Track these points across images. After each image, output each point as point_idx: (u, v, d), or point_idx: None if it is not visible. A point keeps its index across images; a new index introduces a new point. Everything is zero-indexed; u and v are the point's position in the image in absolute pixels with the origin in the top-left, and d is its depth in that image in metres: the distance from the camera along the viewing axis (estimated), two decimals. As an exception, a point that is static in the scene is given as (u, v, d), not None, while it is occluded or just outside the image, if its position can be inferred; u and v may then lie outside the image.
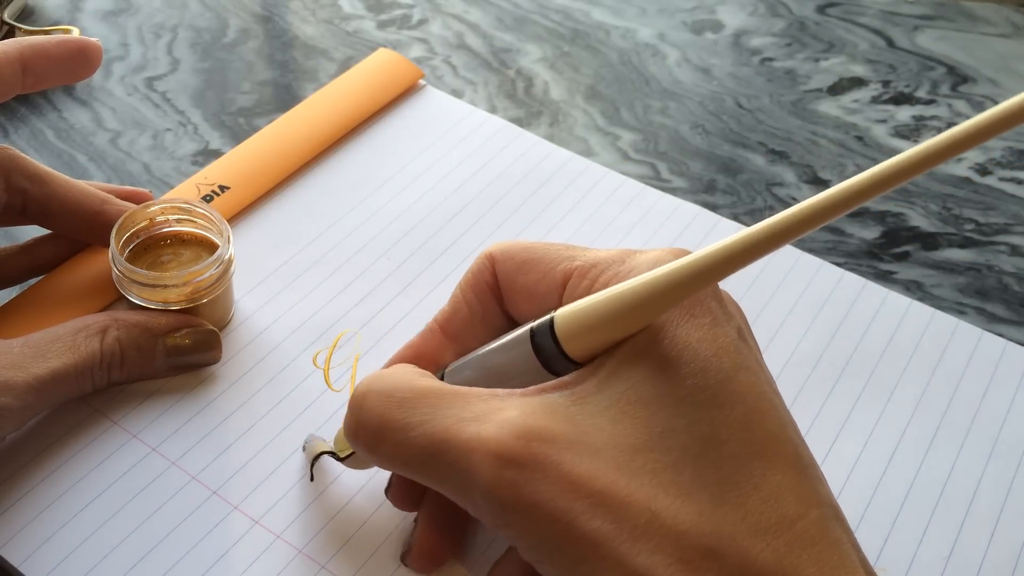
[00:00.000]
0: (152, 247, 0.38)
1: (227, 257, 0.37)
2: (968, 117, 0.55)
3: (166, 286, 0.36)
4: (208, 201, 0.43)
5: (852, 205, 0.23)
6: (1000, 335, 0.42)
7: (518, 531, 0.25)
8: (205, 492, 0.34)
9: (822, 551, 0.24)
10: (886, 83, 0.56)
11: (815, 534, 0.25)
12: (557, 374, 0.28)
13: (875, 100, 0.55)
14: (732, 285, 0.42)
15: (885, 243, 0.47)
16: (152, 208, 0.38)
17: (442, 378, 0.31)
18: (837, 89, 0.56)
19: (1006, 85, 0.56)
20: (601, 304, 0.26)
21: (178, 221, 0.39)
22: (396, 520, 0.34)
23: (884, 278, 0.45)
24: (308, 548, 0.33)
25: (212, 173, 0.45)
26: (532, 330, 0.28)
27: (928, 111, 0.55)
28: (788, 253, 0.44)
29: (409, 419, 0.26)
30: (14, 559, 0.32)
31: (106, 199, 0.38)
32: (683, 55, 0.58)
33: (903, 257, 0.46)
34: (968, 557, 0.34)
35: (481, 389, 0.27)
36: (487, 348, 0.30)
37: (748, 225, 0.46)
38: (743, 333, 0.28)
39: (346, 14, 0.59)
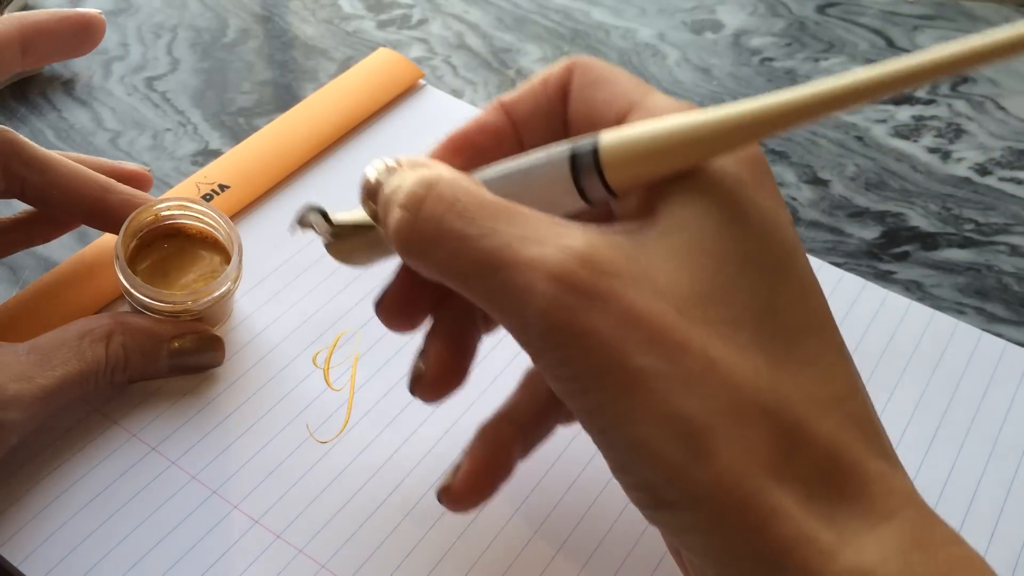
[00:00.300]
0: (153, 240, 0.38)
1: (235, 273, 0.37)
2: (968, 117, 0.56)
3: (173, 303, 0.36)
4: (208, 200, 0.43)
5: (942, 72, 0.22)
6: (1000, 335, 0.42)
7: (565, 356, 0.23)
8: (205, 492, 0.34)
9: (870, 434, 0.24)
10: (886, 83, 0.56)
11: (864, 417, 0.24)
12: (589, 202, 0.26)
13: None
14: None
15: (885, 243, 0.47)
16: (158, 206, 0.37)
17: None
18: (837, 89, 0.56)
19: (1006, 85, 0.56)
20: (652, 133, 0.25)
21: (184, 216, 0.38)
22: (396, 520, 0.34)
23: (884, 278, 0.45)
24: (308, 548, 0.33)
25: (212, 172, 0.45)
26: (573, 149, 0.26)
27: (928, 111, 0.55)
28: (788, 253, 0.44)
29: (468, 230, 0.25)
30: (14, 558, 0.32)
31: (107, 187, 0.37)
32: (683, 55, 0.58)
33: (903, 257, 0.46)
34: (968, 557, 0.34)
35: (543, 214, 0.25)
36: (522, 158, 0.27)
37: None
38: (795, 226, 0.27)
39: (346, 14, 0.59)
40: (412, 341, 0.39)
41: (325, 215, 0.30)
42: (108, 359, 0.35)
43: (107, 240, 0.41)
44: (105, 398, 0.36)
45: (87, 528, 0.33)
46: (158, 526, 0.33)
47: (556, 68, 0.30)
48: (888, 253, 0.47)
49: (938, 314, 0.42)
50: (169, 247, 0.38)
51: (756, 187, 0.26)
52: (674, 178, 0.25)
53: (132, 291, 0.36)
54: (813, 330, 0.25)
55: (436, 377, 0.29)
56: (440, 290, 0.29)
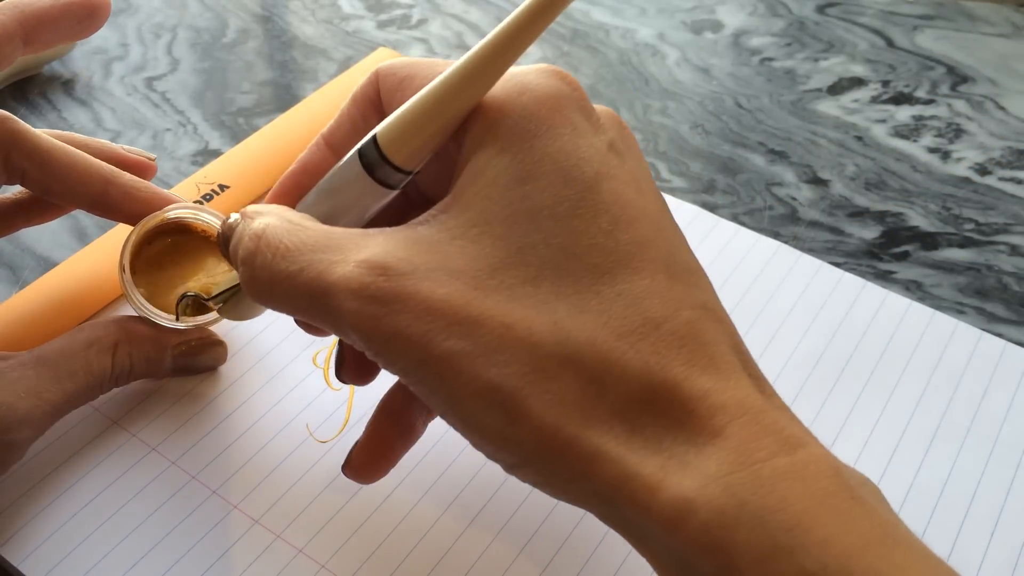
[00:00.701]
0: (155, 237, 0.38)
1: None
2: (968, 117, 0.56)
3: (179, 328, 0.36)
4: (208, 200, 0.43)
5: None
6: (1000, 335, 0.42)
7: (386, 359, 0.25)
8: (205, 492, 0.34)
9: (693, 351, 0.24)
10: (886, 83, 0.56)
11: (684, 335, 0.24)
12: (392, 187, 0.28)
13: (875, 100, 0.55)
14: (730, 286, 0.42)
15: (885, 243, 0.47)
16: (166, 214, 0.37)
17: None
18: (837, 89, 0.56)
19: (1005, 85, 0.56)
20: (411, 107, 0.27)
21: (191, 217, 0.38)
22: (396, 519, 0.34)
23: (884, 278, 0.45)
24: (308, 548, 0.33)
25: (212, 172, 0.45)
26: (359, 148, 0.28)
27: (928, 111, 0.55)
28: (788, 253, 0.44)
29: (291, 268, 0.26)
30: (14, 558, 0.32)
31: (110, 178, 0.36)
32: (683, 55, 0.58)
33: (903, 257, 0.46)
34: (968, 557, 0.34)
35: (355, 230, 0.27)
36: (327, 175, 0.30)
37: (749, 227, 0.46)
38: (616, 146, 0.27)
39: (346, 14, 0.59)
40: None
41: (199, 297, 0.34)
42: (114, 368, 0.35)
43: (107, 240, 0.41)
44: (105, 398, 0.36)
45: (87, 528, 0.33)
46: (158, 526, 0.33)
47: (363, 83, 0.31)
48: (888, 253, 0.47)
49: (938, 314, 0.42)
50: (173, 243, 0.38)
51: (548, 130, 0.26)
52: (469, 144, 0.27)
53: (141, 307, 0.36)
54: (622, 262, 0.25)
55: (358, 465, 0.32)
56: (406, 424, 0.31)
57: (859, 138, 0.53)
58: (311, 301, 0.26)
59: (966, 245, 0.47)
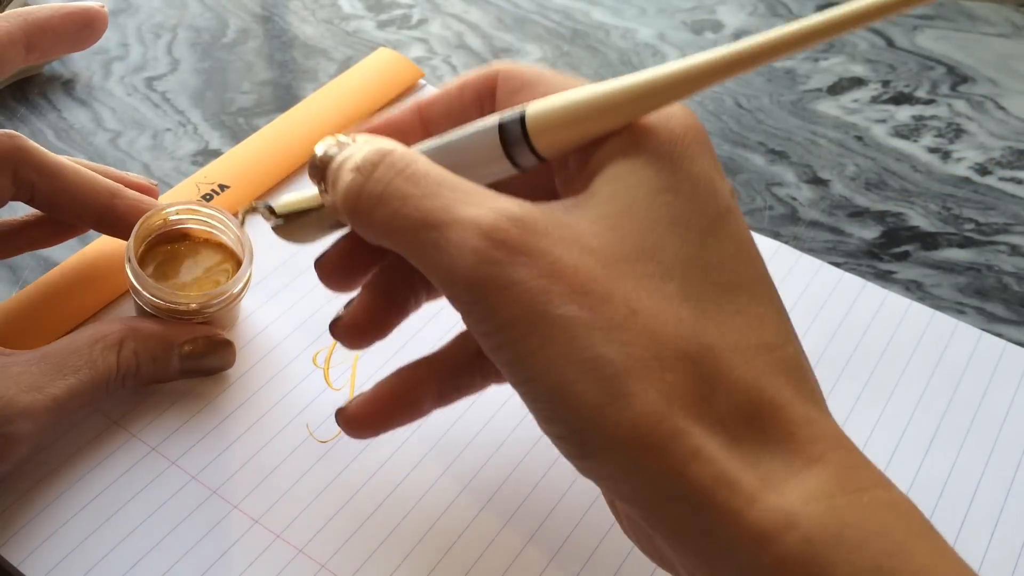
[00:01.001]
0: (158, 243, 0.38)
1: (247, 275, 0.37)
2: (968, 117, 0.56)
3: (188, 305, 0.36)
4: (208, 200, 0.43)
5: (844, 29, 0.24)
6: (1000, 335, 0.42)
7: (489, 308, 0.24)
8: (205, 492, 0.34)
9: (798, 380, 0.24)
10: (886, 83, 0.56)
11: (792, 365, 0.25)
12: (520, 168, 0.28)
13: (875, 100, 0.55)
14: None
15: (885, 243, 0.47)
16: (167, 210, 0.37)
17: None
18: (837, 89, 0.56)
19: (1006, 85, 0.56)
20: (572, 100, 0.27)
21: (192, 221, 0.38)
22: (396, 520, 0.34)
23: (884, 278, 0.45)
24: (308, 548, 0.33)
25: (212, 172, 0.45)
26: (502, 118, 0.28)
27: (928, 111, 0.55)
28: (788, 254, 0.44)
29: (413, 191, 0.26)
30: (14, 558, 0.32)
31: (116, 192, 0.37)
32: (683, 55, 0.58)
33: (903, 257, 0.46)
34: (968, 557, 0.34)
35: (484, 188, 0.26)
36: (456, 130, 0.29)
37: (749, 227, 0.46)
38: (734, 194, 0.28)
39: (346, 14, 0.59)
40: (412, 341, 0.39)
41: (270, 207, 0.32)
42: (120, 366, 0.35)
43: (107, 240, 0.41)
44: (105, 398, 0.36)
45: (87, 528, 0.33)
46: (158, 526, 0.33)
47: (477, 74, 0.31)
48: (888, 253, 0.47)
49: (938, 314, 0.42)
50: (174, 249, 0.38)
51: (691, 156, 0.27)
52: (609, 152, 0.27)
53: (144, 293, 0.36)
54: (744, 285, 0.25)
55: (350, 324, 0.31)
56: (380, 255, 0.30)
57: (859, 138, 0.53)
58: (419, 228, 0.25)
59: (966, 245, 0.47)
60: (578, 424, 0.23)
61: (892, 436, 0.38)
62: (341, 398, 0.37)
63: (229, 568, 0.33)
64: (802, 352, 0.26)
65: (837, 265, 0.44)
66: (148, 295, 0.36)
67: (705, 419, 0.23)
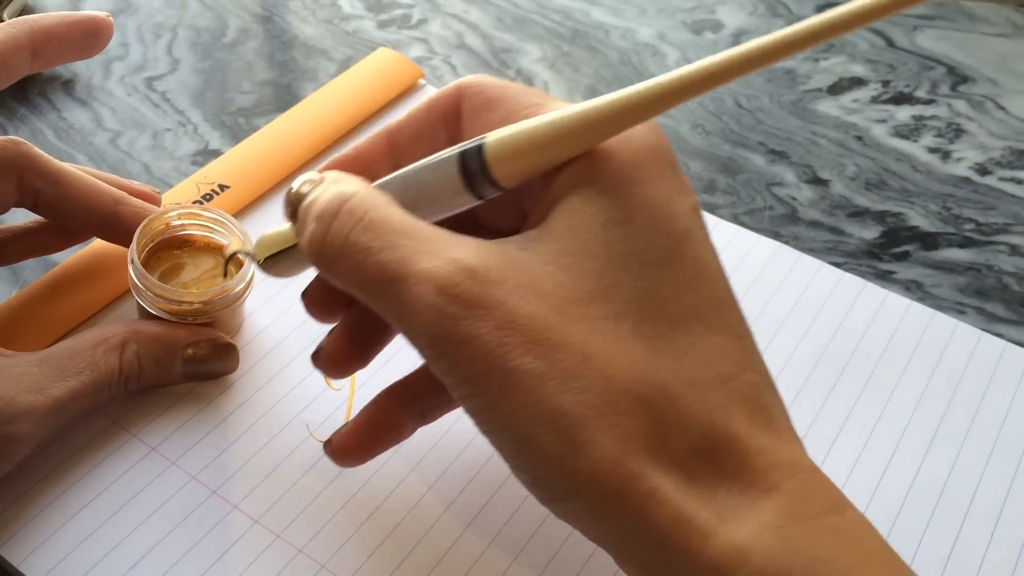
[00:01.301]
0: (161, 249, 0.38)
1: (250, 274, 0.37)
2: (968, 117, 0.56)
3: (191, 303, 0.36)
4: (208, 200, 0.43)
5: (791, 51, 0.25)
6: (1000, 335, 0.42)
7: (451, 363, 0.25)
8: (205, 492, 0.34)
9: (754, 410, 0.25)
10: (886, 83, 0.56)
11: (748, 394, 0.25)
12: (481, 198, 0.28)
13: (875, 100, 0.55)
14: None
15: (885, 243, 0.47)
16: (169, 214, 0.37)
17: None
18: (837, 89, 0.56)
19: (1006, 85, 0.56)
20: (531, 129, 0.26)
21: (194, 226, 0.38)
22: (396, 520, 0.34)
23: (884, 278, 0.45)
24: (308, 548, 0.33)
25: (212, 173, 0.45)
26: (463, 150, 0.28)
27: (928, 111, 0.55)
28: (788, 254, 0.44)
29: (372, 243, 0.26)
30: (14, 559, 0.32)
31: (120, 199, 0.37)
32: (683, 55, 0.58)
33: (903, 257, 0.46)
34: (968, 557, 0.34)
35: (443, 230, 0.27)
36: (417, 163, 0.29)
37: (749, 227, 0.46)
38: (697, 208, 0.28)
39: (346, 14, 0.59)
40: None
41: (249, 253, 0.33)
42: (122, 369, 0.35)
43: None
44: (105, 398, 0.36)
45: (87, 528, 0.33)
46: (158, 526, 0.33)
47: (443, 92, 0.31)
48: (888, 253, 0.47)
49: (938, 314, 0.42)
50: (176, 255, 0.38)
51: (646, 180, 0.27)
52: (567, 181, 0.27)
53: (147, 292, 0.36)
54: (700, 316, 0.26)
55: (331, 355, 0.31)
56: None
57: (859, 138, 0.53)
58: (381, 282, 0.26)
59: (966, 245, 0.47)
60: (542, 473, 0.24)
61: (892, 436, 0.38)
62: (341, 398, 0.38)
63: (229, 568, 0.33)
64: (761, 375, 0.26)
65: (837, 265, 0.44)
66: (151, 295, 0.36)
67: (661, 459, 0.24)
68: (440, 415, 0.33)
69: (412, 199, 0.28)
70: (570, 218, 0.26)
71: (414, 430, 0.32)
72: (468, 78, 0.31)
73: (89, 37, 0.36)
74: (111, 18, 0.37)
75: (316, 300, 0.32)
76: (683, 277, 0.26)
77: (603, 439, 0.24)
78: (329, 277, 0.28)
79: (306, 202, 0.28)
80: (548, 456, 0.24)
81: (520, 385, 0.24)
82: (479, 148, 0.27)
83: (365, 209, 0.27)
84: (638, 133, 0.27)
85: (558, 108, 0.28)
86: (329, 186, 0.28)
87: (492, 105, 0.30)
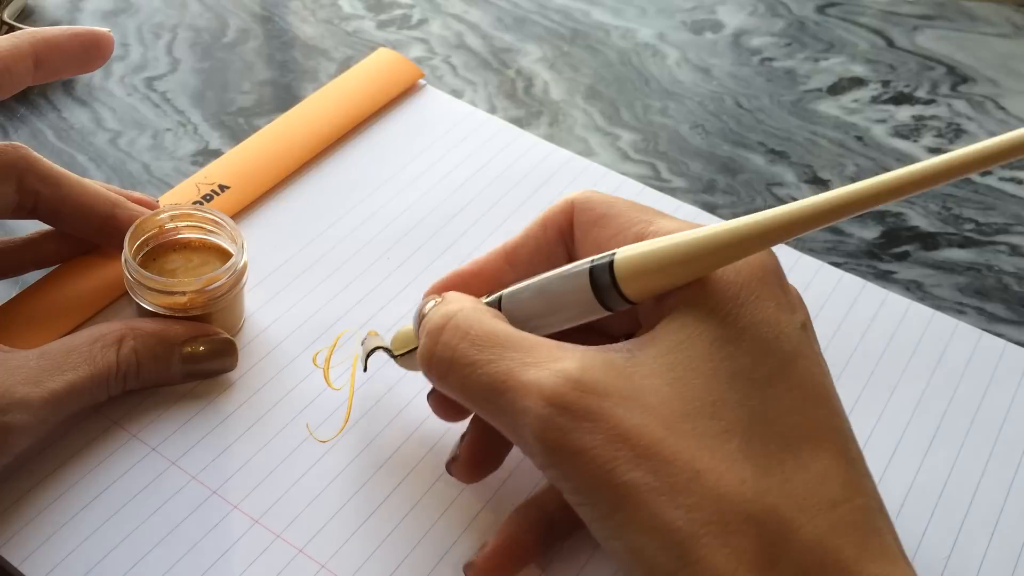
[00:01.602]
0: (161, 253, 0.38)
1: (241, 263, 0.37)
2: (968, 117, 0.56)
3: (182, 292, 0.36)
4: (208, 200, 0.43)
5: (922, 188, 0.24)
6: (1000, 335, 0.42)
7: (562, 473, 0.26)
8: (205, 492, 0.34)
9: (865, 536, 0.25)
10: (886, 83, 0.56)
11: (859, 520, 0.25)
12: (609, 309, 0.29)
13: (875, 100, 0.55)
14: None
15: (885, 243, 0.47)
16: (163, 215, 0.38)
17: (499, 300, 0.32)
18: (837, 89, 0.56)
19: (1006, 85, 0.56)
20: (661, 249, 0.27)
21: (188, 227, 0.38)
22: (396, 520, 0.34)
23: (884, 278, 0.45)
24: (308, 548, 0.33)
25: (212, 173, 0.45)
26: (592, 263, 0.29)
27: (928, 111, 0.55)
28: (788, 254, 0.44)
29: (478, 357, 0.28)
30: (14, 559, 0.32)
31: (117, 203, 0.38)
32: (683, 55, 0.58)
33: (903, 257, 0.46)
34: (968, 557, 0.34)
35: (548, 340, 0.28)
36: (547, 275, 0.31)
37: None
38: (808, 325, 0.28)
39: (346, 14, 0.59)
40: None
41: (387, 350, 0.36)
42: (119, 364, 0.35)
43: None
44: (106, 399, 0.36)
45: (87, 528, 0.33)
46: (158, 526, 0.33)
47: (556, 209, 0.33)
48: (888, 253, 0.47)
49: (938, 314, 0.42)
50: (176, 259, 0.38)
51: (754, 300, 0.27)
52: (678, 296, 0.28)
53: (139, 284, 0.36)
54: (809, 437, 0.26)
55: (466, 463, 0.33)
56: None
57: (859, 138, 0.53)
58: (490, 394, 0.27)
59: (966, 245, 0.47)
60: None
61: (892, 436, 0.38)
62: (341, 398, 0.37)
63: (229, 568, 0.33)
64: (873, 501, 0.26)
65: (837, 265, 0.44)
66: (144, 288, 0.36)
67: None
68: (573, 532, 0.33)
69: (542, 308, 0.30)
70: (678, 333, 0.27)
71: (548, 547, 0.33)
72: (577, 194, 0.32)
73: (91, 49, 0.37)
74: (111, 33, 0.38)
75: (439, 403, 0.34)
76: (792, 398, 0.26)
77: (715, 557, 0.24)
78: (442, 388, 0.30)
79: (426, 317, 0.30)
80: (659, 570, 0.24)
81: (631, 499, 0.24)
82: (610, 264, 0.28)
83: (470, 324, 0.29)
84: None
85: (665, 224, 0.29)
86: (442, 305, 0.30)
87: (602, 221, 0.31)
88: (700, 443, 0.25)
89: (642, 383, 0.26)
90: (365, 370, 0.37)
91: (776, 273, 0.29)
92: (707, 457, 0.25)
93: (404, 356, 0.35)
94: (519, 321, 0.30)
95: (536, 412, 0.26)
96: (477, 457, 0.33)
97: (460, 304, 0.30)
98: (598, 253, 0.31)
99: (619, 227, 0.30)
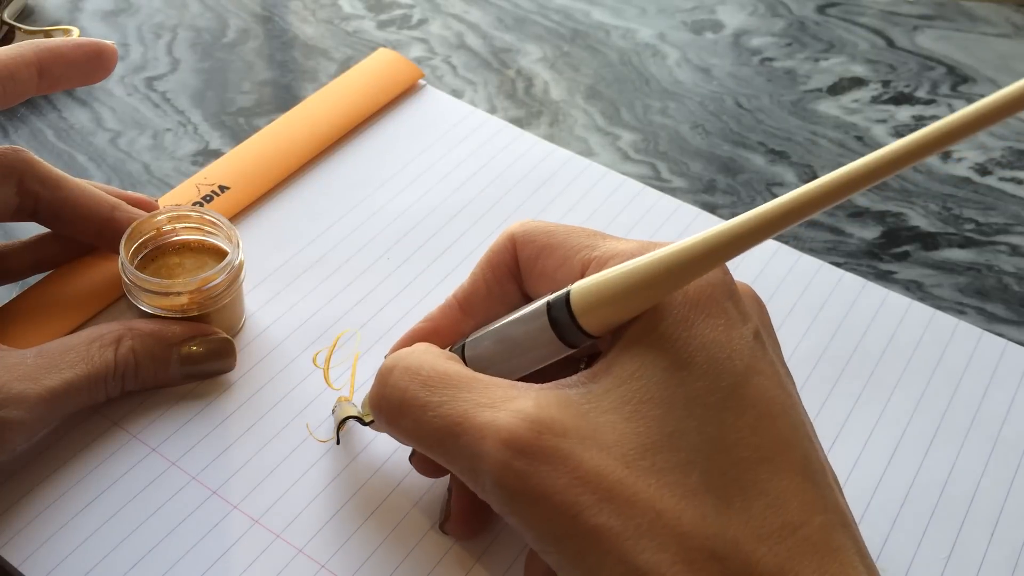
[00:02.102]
0: (159, 256, 0.38)
1: (237, 262, 0.37)
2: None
3: (178, 293, 0.36)
4: (208, 201, 0.43)
5: (859, 187, 0.24)
6: (1000, 335, 0.42)
7: (524, 520, 0.25)
8: (205, 492, 0.34)
9: (823, 558, 0.25)
10: (886, 83, 0.56)
11: (817, 541, 0.25)
12: (572, 346, 0.28)
13: (875, 100, 0.55)
14: (732, 285, 0.42)
15: (885, 243, 0.47)
16: (159, 217, 0.38)
17: (462, 348, 0.31)
18: (837, 89, 0.56)
19: (1006, 85, 0.56)
20: (615, 279, 0.27)
21: (185, 229, 0.38)
22: (396, 520, 0.34)
23: (884, 278, 0.45)
24: (308, 548, 0.33)
25: (212, 173, 0.45)
26: (548, 303, 0.28)
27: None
28: (788, 253, 0.44)
29: (430, 399, 0.27)
30: (14, 559, 0.32)
31: (117, 205, 0.38)
32: (683, 55, 0.58)
33: (903, 257, 0.46)
34: (968, 557, 0.34)
35: (501, 379, 0.27)
36: (505, 320, 0.30)
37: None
38: (760, 335, 0.28)
39: (346, 14, 0.59)
40: (412, 341, 0.39)
41: (358, 419, 0.35)
42: (117, 364, 0.35)
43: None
44: (106, 400, 0.36)
45: (88, 529, 0.33)
46: (158, 527, 0.33)
47: (497, 247, 0.32)
48: (888, 253, 0.47)
49: (938, 314, 0.42)
50: (172, 260, 0.38)
51: (705, 319, 0.27)
52: (629, 327, 0.27)
53: (136, 286, 0.36)
54: (766, 459, 0.26)
55: (458, 518, 0.32)
56: None
57: (859, 138, 0.53)
58: (444, 437, 0.26)
59: (966, 245, 0.47)
60: None
61: (892, 436, 0.38)
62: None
63: (229, 568, 0.33)
64: (833, 515, 0.26)
65: (837, 265, 0.44)
66: (140, 290, 0.36)
67: None
68: None
69: (505, 353, 0.30)
70: (631, 363, 0.27)
71: None
72: (515, 227, 0.32)
73: (94, 60, 0.37)
74: (115, 46, 0.38)
75: (420, 460, 0.33)
76: (747, 419, 0.26)
77: None
78: (394, 434, 0.29)
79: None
80: None
81: (598, 544, 0.24)
82: (566, 301, 0.28)
83: (420, 365, 0.28)
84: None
85: (611, 246, 0.29)
86: (395, 354, 0.30)
87: (545, 252, 0.31)
88: (660, 479, 0.25)
89: (598, 419, 0.26)
90: (338, 443, 0.36)
91: (724, 286, 0.28)
92: (667, 495, 0.25)
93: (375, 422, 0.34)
94: (485, 370, 0.29)
95: (494, 455, 0.25)
96: (469, 510, 0.32)
97: (411, 348, 0.30)
98: (546, 285, 0.30)
99: (563, 256, 0.30)
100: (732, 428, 0.26)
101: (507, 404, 0.26)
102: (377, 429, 0.33)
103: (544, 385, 0.27)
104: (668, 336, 0.27)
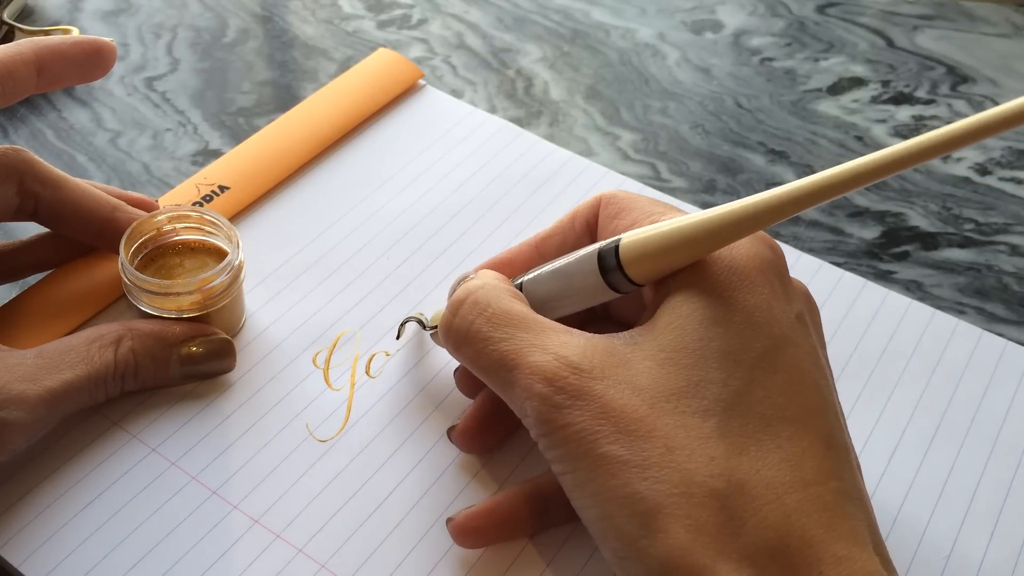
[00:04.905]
0: (159, 256, 0.38)
1: (237, 263, 0.37)
2: (968, 117, 0.55)
3: (178, 294, 0.36)
4: (208, 201, 0.43)
5: (903, 166, 0.25)
6: (1000, 335, 0.42)
7: (551, 442, 0.28)
8: (205, 492, 0.34)
9: (833, 517, 0.25)
10: (886, 83, 0.56)
11: (830, 502, 0.26)
12: (618, 291, 0.31)
13: (875, 100, 0.55)
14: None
15: (885, 243, 0.47)
16: (159, 217, 0.38)
17: (520, 284, 0.34)
18: (837, 89, 0.56)
19: (1006, 85, 0.56)
20: (659, 234, 0.29)
21: (185, 229, 0.38)
22: (396, 519, 0.34)
23: (884, 278, 0.45)
24: (308, 548, 0.33)
25: (212, 173, 0.45)
26: (600, 249, 0.31)
27: (928, 111, 0.55)
28: (788, 253, 0.44)
29: (492, 334, 0.30)
30: (14, 559, 0.32)
31: (117, 206, 0.38)
32: (683, 55, 0.58)
33: (903, 257, 0.46)
34: (968, 557, 0.34)
35: (557, 324, 0.30)
36: (560, 261, 0.33)
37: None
38: (804, 319, 0.30)
39: (346, 14, 0.59)
40: (412, 341, 0.39)
41: (421, 322, 0.39)
42: (117, 364, 0.35)
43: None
44: (106, 400, 0.36)
45: (88, 529, 0.33)
46: (158, 527, 0.33)
47: (585, 204, 0.35)
48: (888, 253, 0.47)
49: (938, 314, 0.42)
50: (172, 260, 0.38)
51: (747, 286, 0.29)
52: (676, 280, 0.29)
53: (135, 287, 0.36)
54: (790, 420, 0.27)
55: (464, 430, 0.35)
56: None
57: (859, 138, 0.53)
58: (497, 368, 0.30)
59: (966, 245, 0.47)
60: (620, 552, 0.26)
61: (892, 436, 0.38)
62: (341, 398, 0.38)
63: (229, 568, 0.33)
64: (849, 487, 0.27)
65: (837, 265, 0.44)
66: (140, 290, 0.36)
67: (731, 553, 0.25)
68: (564, 520, 0.34)
69: (557, 290, 0.33)
70: (672, 316, 0.29)
71: (537, 530, 0.34)
72: (606, 191, 0.35)
73: (93, 57, 0.37)
74: (114, 43, 0.38)
75: (463, 376, 0.36)
76: (776, 380, 0.27)
77: (675, 528, 0.25)
78: (457, 357, 0.32)
79: (455, 291, 0.32)
80: (625, 536, 0.26)
81: (605, 469, 0.26)
82: (615, 248, 0.30)
83: (488, 301, 0.31)
84: (747, 242, 0.30)
85: (674, 214, 0.31)
86: (470, 280, 0.33)
87: (622, 214, 0.33)
88: (678, 421, 0.27)
89: (637, 366, 0.28)
90: (398, 337, 0.39)
91: (775, 266, 0.30)
92: (682, 435, 0.26)
93: (435, 331, 0.37)
94: (538, 302, 0.33)
95: (536, 390, 0.28)
96: (475, 427, 0.35)
97: (483, 281, 0.32)
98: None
99: (635, 219, 0.32)
100: (760, 386, 0.27)
101: (557, 348, 0.29)
102: (436, 343, 0.38)
103: (595, 335, 0.29)
104: (711, 295, 0.29)
